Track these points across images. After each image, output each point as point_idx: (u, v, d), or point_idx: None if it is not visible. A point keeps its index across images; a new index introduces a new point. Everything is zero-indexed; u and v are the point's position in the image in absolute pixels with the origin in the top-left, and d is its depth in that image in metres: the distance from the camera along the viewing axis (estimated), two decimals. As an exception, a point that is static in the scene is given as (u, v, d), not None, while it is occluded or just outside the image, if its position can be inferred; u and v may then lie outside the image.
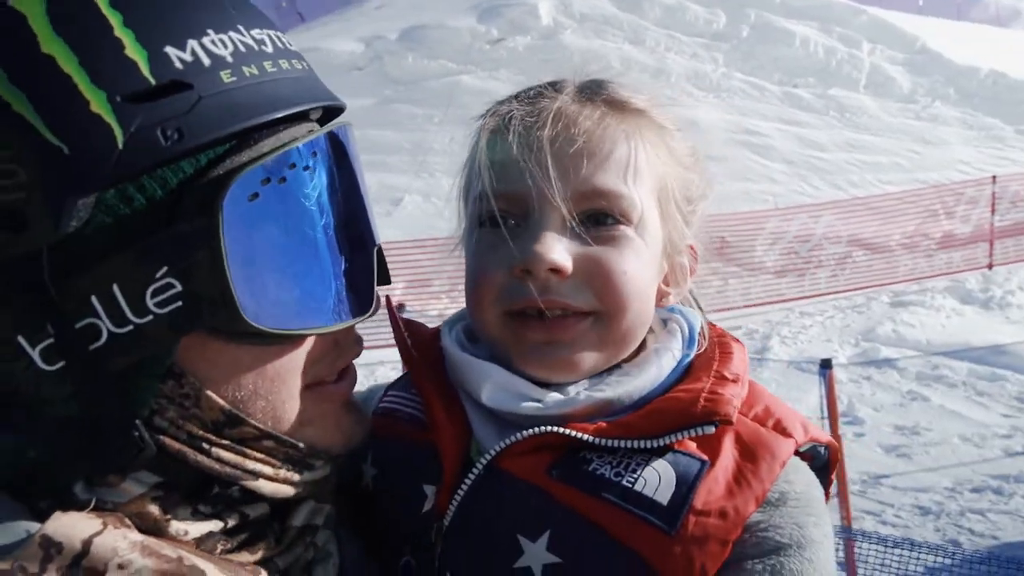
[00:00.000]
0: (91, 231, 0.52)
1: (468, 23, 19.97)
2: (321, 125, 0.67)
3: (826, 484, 0.80)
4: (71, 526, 0.54)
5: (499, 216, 0.76)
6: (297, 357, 0.62)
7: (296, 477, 0.63)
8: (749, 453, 0.74)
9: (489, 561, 0.71)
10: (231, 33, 0.56)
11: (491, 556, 0.71)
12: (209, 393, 0.58)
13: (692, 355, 0.81)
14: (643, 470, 0.71)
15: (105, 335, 0.53)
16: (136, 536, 0.57)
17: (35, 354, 0.53)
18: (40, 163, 0.49)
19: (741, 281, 9.40)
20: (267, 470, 0.61)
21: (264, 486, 0.61)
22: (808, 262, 10.49)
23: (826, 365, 4.32)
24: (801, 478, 0.75)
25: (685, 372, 0.80)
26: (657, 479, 0.71)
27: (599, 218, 0.74)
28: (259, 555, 0.61)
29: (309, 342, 0.63)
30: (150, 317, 0.54)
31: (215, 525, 0.60)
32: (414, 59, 18.89)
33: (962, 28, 25.00)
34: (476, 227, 0.79)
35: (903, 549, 3.37)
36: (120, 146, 0.51)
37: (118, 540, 0.55)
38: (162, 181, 0.54)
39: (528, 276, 0.73)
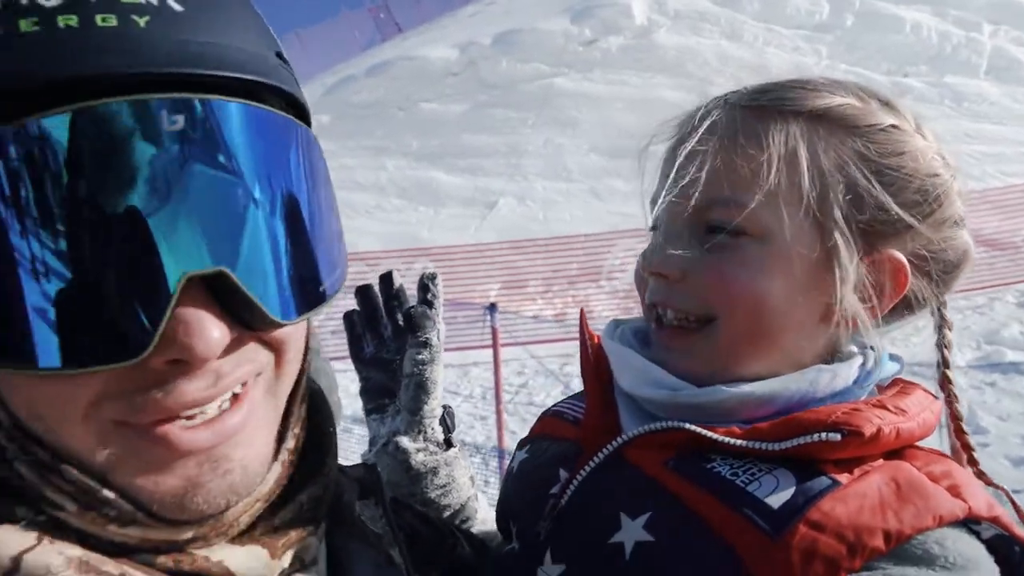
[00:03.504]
0: None
1: (561, 25, 19.99)
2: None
3: None
4: (1, 541, 0.49)
5: (651, 219, 0.81)
6: (64, 389, 0.49)
7: (112, 528, 0.53)
8: (900, 494, 0.66)
9: (588, 535, 0.72)
10: None
11: (591, 531, 0.72)
12: (3, 397, 0.50)
13: (864, 391, 0.75)
14: (762, 476, 0.68)
15: None
16: (74, 551, 0.51)
17: None
18: None
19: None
20: (69, 506, 0.52)
21: (72, 521, 0.52)
22: (922, 261, 9.91)
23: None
24: (963, 550, 0.64)
25: None
26: (774, 485, 0.67)
27: (714, 228, 0.74)
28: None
29: (101, 376, 0.49)
30: None
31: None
32: (508, 63, 19.08)
33: (1098, 4, 22.94)
34: None
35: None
36: None
37: (51, 556, 0.50)
38: None
39: (651, 278, 0.78)
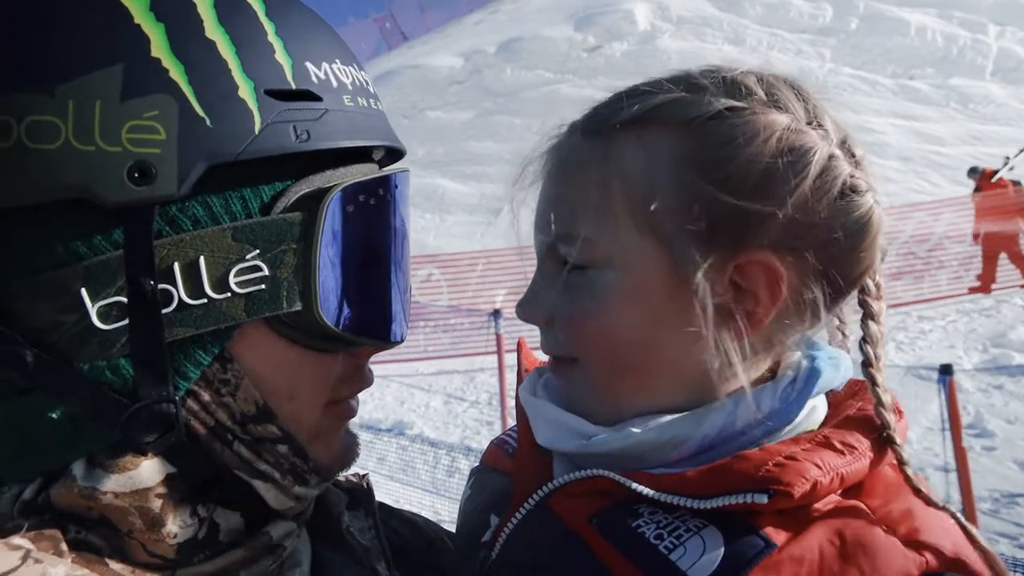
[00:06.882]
0: (200, 200, 0.55)
1: (565, 32, 20.06)
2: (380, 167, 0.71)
3: None
4: None
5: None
6: (333, 369, 0.63)
7: (295, 489, 0.62)
8: (845, 554, 0.57)
9: None
10: (351, 67, 0.63)
11: None
12: (249, 384, 0.58)
13: (801, 409, 0.66)
14: (690, 538, 0.60)
15: (175, 303, 0.54)
16: (60, 571, 0.52)
17: (92, 310, 0.53)
18: (181, 127, 0.53)
19: (854, 285, 9.00)
20: (275, 475, 0.61)
21: (269, 491, 0.61)
22: (927, 263, 9.88)
23: (946, 371, 4.05)
24: None
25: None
26: (700, 551, 0.59)
27: (567, 265, 0.67)
28: (219, 565, 0.59)
29: (342, 359, 0.63)
30: (228, 294, 0.55)
31: (198, 531, 0.59)
32: (512, 71, 19.14)
33: (1105, 5, 22.85)
34: None
35: (1046, 575, 3.08)
36: (256, 131, 0.55)
37: None
38: (278, 173, 0.58)
39: None
